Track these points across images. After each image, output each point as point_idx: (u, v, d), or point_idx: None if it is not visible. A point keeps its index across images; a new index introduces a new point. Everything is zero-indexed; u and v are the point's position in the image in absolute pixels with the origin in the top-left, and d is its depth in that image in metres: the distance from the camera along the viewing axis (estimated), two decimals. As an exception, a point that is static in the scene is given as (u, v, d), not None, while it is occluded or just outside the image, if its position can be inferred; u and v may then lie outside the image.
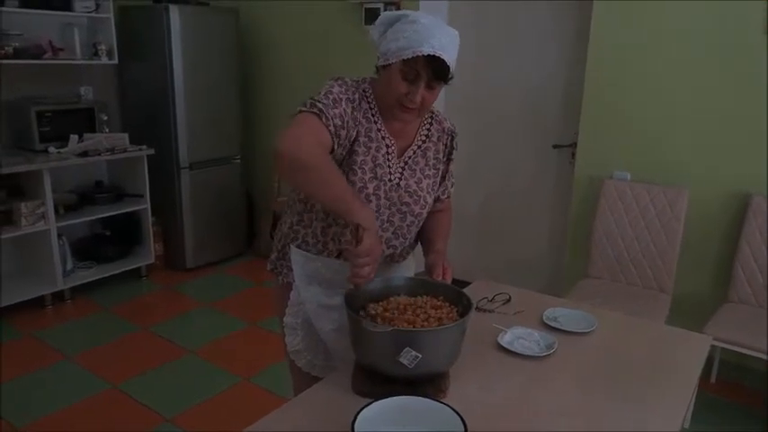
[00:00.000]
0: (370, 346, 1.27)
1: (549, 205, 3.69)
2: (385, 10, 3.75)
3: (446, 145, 1.62)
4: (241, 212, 4.63)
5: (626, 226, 3.03)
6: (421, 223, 1.59)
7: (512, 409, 1.28)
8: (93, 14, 3.79)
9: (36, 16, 3.62)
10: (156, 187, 4.09)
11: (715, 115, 2.84)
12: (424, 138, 1.57)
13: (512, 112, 3.70)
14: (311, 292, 1.57)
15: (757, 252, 2.77)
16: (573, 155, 3.39)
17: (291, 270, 1.59)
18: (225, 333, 3.40)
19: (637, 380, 1.41)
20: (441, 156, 1.60)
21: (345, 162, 1.45)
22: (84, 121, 3.86)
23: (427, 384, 1.27)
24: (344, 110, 1.40)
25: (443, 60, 1.32)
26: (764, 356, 2.46)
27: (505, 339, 1.54)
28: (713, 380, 2.92)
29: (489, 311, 1.74)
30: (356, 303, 1.33)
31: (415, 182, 1.53)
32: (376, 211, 1.48)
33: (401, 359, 1.20)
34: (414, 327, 1.28)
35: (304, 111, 1.36)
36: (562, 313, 1.72)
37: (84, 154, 3.66)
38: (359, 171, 1.45)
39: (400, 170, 1.51)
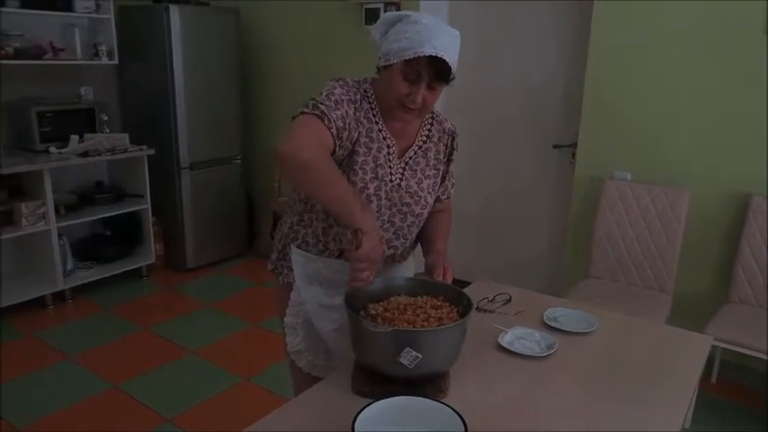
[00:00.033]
0: (370, 346, 1.27)
1: (549, 205, 3.69)
2: (385, 10, 3.75)
3: (447, 145, 1.62)
4: (241, 213, 4.64)
5: (626, 226, 3.03)
6: (421, 224, 1.59)
7: (512, 409, 1.28)
8: (94, 15, 3.80)
9: (37, 17, 3.62)
10: (157, 187, 4.09)
11: (715, 115, 2.84)
12: (424, 138, 1.57)
13: (512, 112, 3.70)
14: (312, 292, 1.57)
15: (758, 252, 2.77)
16: (573, 155, 3.39)
17: (292, 270, 1.59)
18: (225, 333, 3.40)
19: (637, 380, 1.41)
20: (441, 156, 1.60)
21: (346, 162, 1.45)
22: (85, 121, 3.87)
23: (427, 384, 1.27)
24: (346, 111, 1.40)
25: (445, 61, 1.32)
26: (765, 357, 2.45)
27: (506, 339, 1.54)
28: (714, 380, 2.92)
29: (490, 311, 1.74)
30: (356, 303, 1.33)
31: (416, 182, 1.53)
32: (377, 212, 1.48)
33: (401, 359, 1.20)
34: (414, 327, 1.28)
35: (306, 112, 1.36)
36: (562, 313, 1.72)
37: (85, 154, 3.67)
38: (360, 171, 1.45)
39: (401, 170, 1.51)
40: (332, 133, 1.35)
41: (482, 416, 1.22)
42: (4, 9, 3.38)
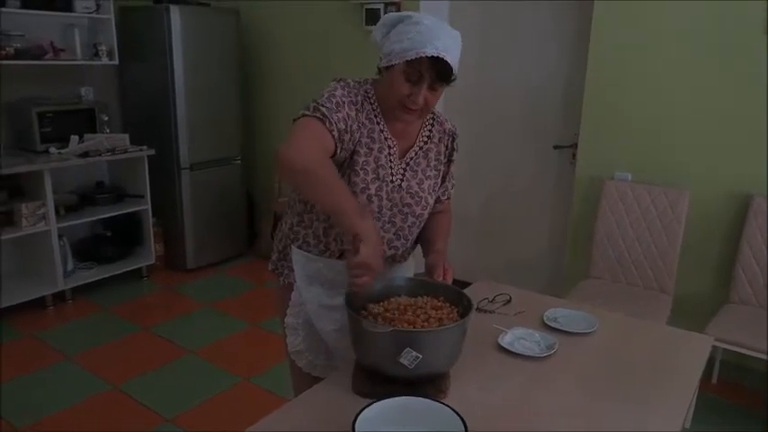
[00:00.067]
0: (370, 346, 1.27)
1: (549, 206, 3.69)
2: (386, 11, 3.75)
3: (447, 146, 1.62)
4: (242, 213, 4.64)
5: (627, 226, 3.03)
6: (422, 224, 1.60)
7: (512, 409, 1.28)
8: (94, 15, 3.80)
9: (37, 17, 3.62)
10: (157, 188, 4.09)
11: (715, 115, 2.84)
12: (425, 139, 1.57)
13: (512, 112, 3.70)
14: (313, 292, 1.57)
15: (758, 253, 2.76)
16: (574, 155, 3.39)
17: (292, 270, 1.59)
18: (225, 334, 3.40)
19: (638, 380, 1.41)
20: (442, 157, 1.60)
21: (348, 163, 1.45)
22: (85, 121, 3.87)
23: (427, 385, 1.27)
24: (348, 113, 1.40)
25: (447, 62, 1.32)
26: (765, 357, 2.45)
27: (506, 340, 1.54)
28: (714, 380, 2.92)
29: (490, 312, 1.74)
30: (357, 303, 1.33)
31: (417, 183, 1.53)
32: (378, 212, 1.48)
33: (401, 360, 1.20)
34: (414, 327, 1.28)
35: (307, 115, 1.36)
36: (563, 314, 1.71)
37: (85, 154, 3.67)
38: (361, 172, 1.45)
39: (402, 171, 1.51)
40: (333, 136, 1.35)
41: (482, 416, 1.22)
42: (4, 9, 3.38)
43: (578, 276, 3.20)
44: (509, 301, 1.81)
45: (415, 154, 1.54)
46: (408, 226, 1.55)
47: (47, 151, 3.62)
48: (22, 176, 3.52)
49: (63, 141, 3.69)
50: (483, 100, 3.78)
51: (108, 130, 3.95)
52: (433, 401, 1.17)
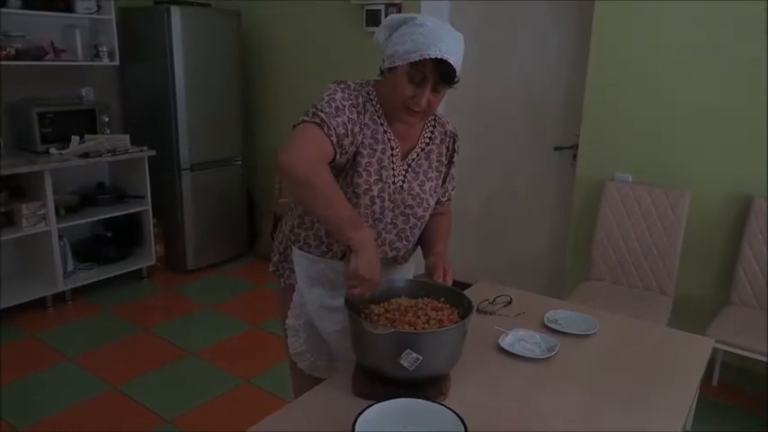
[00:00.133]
0: (370, 347, 1.27)
1: (550, 207, 3.69)
2: (386, 12, 3.75)
3: (448, 148, 1.62)
4: (242, 214, 4.64)
5: (627, 228, 3.02)
6: (423, 225, 1.60)
7: (513, 411, 1.28)
8: (95, 16, 3.80)
9: (38, 18, 3.62)
10: (157, 188, 4.09)
11: (716, 116, 2.84)
12: (427, 140, 1.57)
13: (513, 113, 3.70)
14: (314, 293, 1.57)
15: (759, 254, 2.76)
16: (574, 156, 3.39)
17: (294, 272, 1.59)
18: (226, 335, 3.39)
19: (638, 382, 1.41)
20: (443, 158, 1.60)
21: (351, 164, 1.44)
22: (86, 122, 3.87)
23: (428, 386, 1.27)
24: (348, 117, 1.39)
25: (450, 64, 1.32)
26: (766, 359, 2.45)
27: (506, 341, 1.54)
28: (715, 382, 2.91)
29: (490, 313, 1.73)
30: (357, 305, 1.33)
31: (418, 184, 1.53)
32: (380, 214, 1.48)
33: (402, 361, 1.20)
34: (414, 329, 1.28)
35: (306, 121, 1.36)
36: (563, 315, 1.71)
37: (86, 155, 3.67)
38: (364, 173, 1.44)
39: (404, 172, 1.51)
40: (331, 141, 1.35)
41: (483, 418, 1.22)
42: (5, 10, 3.38)
43: (579, 278, 3.20)
44: (510, 302, 1.81)
45: (417, 155, 1.54)
46: (410, 227, 1.55)
47: (47, 152, 3.62)
48: (23, 177, 3.52)
49: (64, 142, 3.69)
50: (483, 100, 3.78)
51: (108, 131, 3.95)
52: (433, 403, 1.16)
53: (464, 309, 1.35)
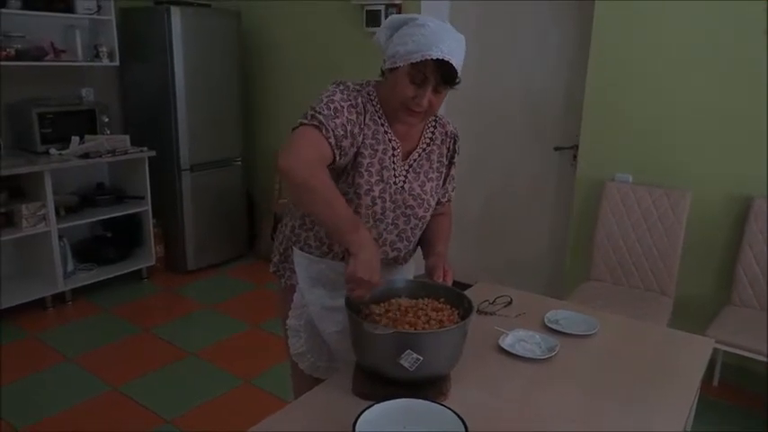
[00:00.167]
0: (371, 348, 1.27)
1: (550, 207, 3.69)
2: (386, 12, 3.75)
3: (449, 148, 1.62)
4: (242, 214, 4.63)
5: (628, 228, 3.02)
6: (424, 226, 1.60)
7: (513, 411, 1.28)
8: (95, 16, 3.80)
9: (38, 18, 3.62)
10: (157, 189, 4.09)
11: (716, 116, 2.84)
12: (428, 141, 1.57)
13: (513, 113, 3.70)
14: (315, 294, 1.57)
15: (759, 254, 2.76)
16: (574, 157, 3.39)
17: (294, 272, 1.59)
18: (226, 335, 3.39)
19: (639, 383, 1.40)
20: (444, 159, 1.60)
21: (352, 165, 1.44)
22: (86, 122, 3.86)
23: (428, 387, 1.27)
24: (347, 118, 1.39)
25: (451, 64, 1.32)
26: (766, 359, 2.45)
27: (507, 342, 1.54)
28: (715, 383, 2.91)
29: (490, 314, 1.73)
30: (357, 305, 1.33)
31: (419, 185, 1.53)
32: (381, 214, 1.48)
33: (402, 361, 1.19)
34: (415, 329, 1.27)
35: (305, 123, 1.36)
36: (564, 316, 1.71)
37: (86, 156, 3.67)
38: (365, 174, 1.44)
39: (404, 173, 1.51)
40: (330, 143, 1.35)
41: (483, 418, 1.21)
42: (5, 10, 3.38)
43: (579, 278, 3.20)
44: (510, 302, 1.81)
45: (418, 156, 1.54)
46: (411, 228, 1.55)
47: (47, 152, 3.62)
48: (23, 177, 3.52)
49: (63, 142, 3.69)
50: (483, 100, 3.78)
51: (108, 132, 3.95)
52: (433, 403, 1.16)
53: (464, 309, 1.35)
